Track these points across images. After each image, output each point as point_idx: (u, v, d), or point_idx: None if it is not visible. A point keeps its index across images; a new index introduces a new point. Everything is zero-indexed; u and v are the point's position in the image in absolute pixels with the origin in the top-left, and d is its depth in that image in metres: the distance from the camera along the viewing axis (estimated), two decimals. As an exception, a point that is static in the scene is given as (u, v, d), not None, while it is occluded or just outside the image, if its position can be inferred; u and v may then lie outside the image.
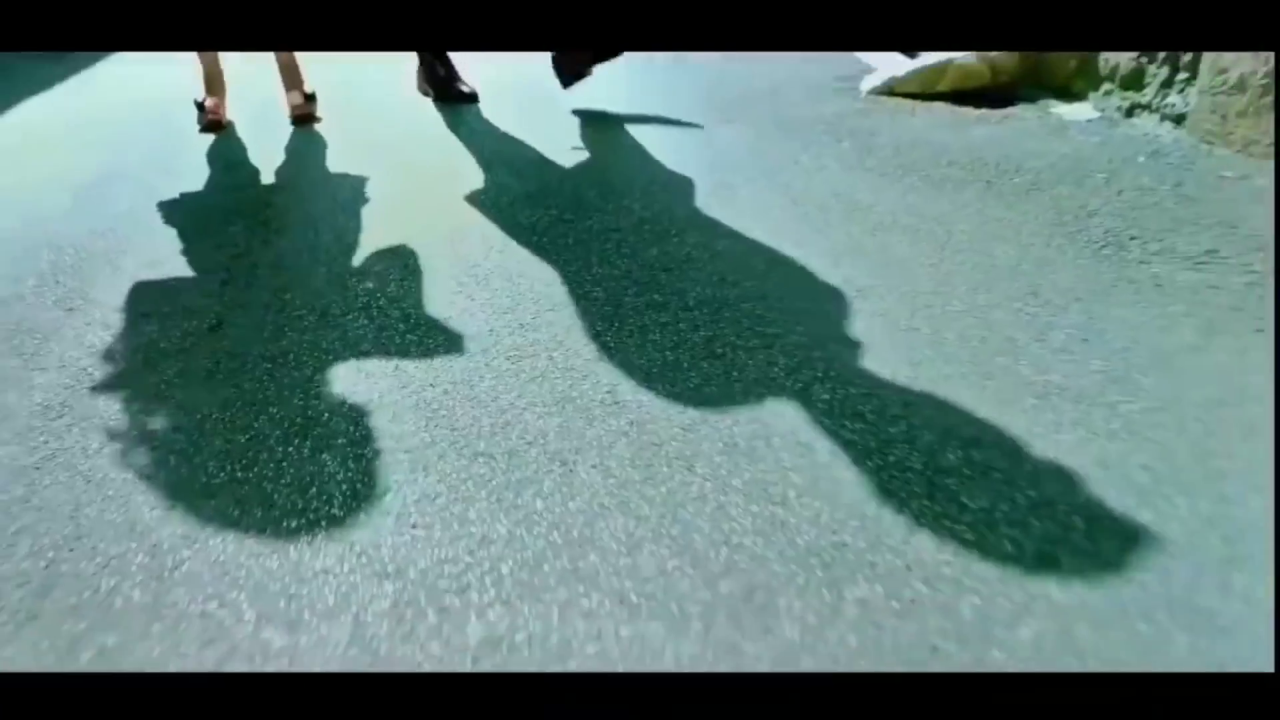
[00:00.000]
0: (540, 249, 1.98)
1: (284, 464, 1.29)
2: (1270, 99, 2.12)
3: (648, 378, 1.45)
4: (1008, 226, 1.96)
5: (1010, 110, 2.83)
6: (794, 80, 3.39)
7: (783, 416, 1.33)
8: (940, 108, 2.93)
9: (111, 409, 1.46)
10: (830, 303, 1.67)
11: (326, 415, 1.40)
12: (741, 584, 1.03)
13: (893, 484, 1.17)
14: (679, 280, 1.79)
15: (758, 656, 0.95)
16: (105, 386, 1.53)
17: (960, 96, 3.00)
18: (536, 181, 2.46)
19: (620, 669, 0.95)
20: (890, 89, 3.11)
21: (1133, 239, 1.84)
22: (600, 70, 3.14)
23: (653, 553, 1.08)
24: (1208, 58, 2.28)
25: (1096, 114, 2.65)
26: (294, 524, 1.17)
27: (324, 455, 1.30)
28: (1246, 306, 1.56)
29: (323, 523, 1.17)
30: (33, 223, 2.33)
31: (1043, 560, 1.04)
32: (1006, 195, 2.13)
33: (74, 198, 2.52)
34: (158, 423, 1.41)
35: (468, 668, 0.96)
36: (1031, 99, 2.88)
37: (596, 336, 1.59)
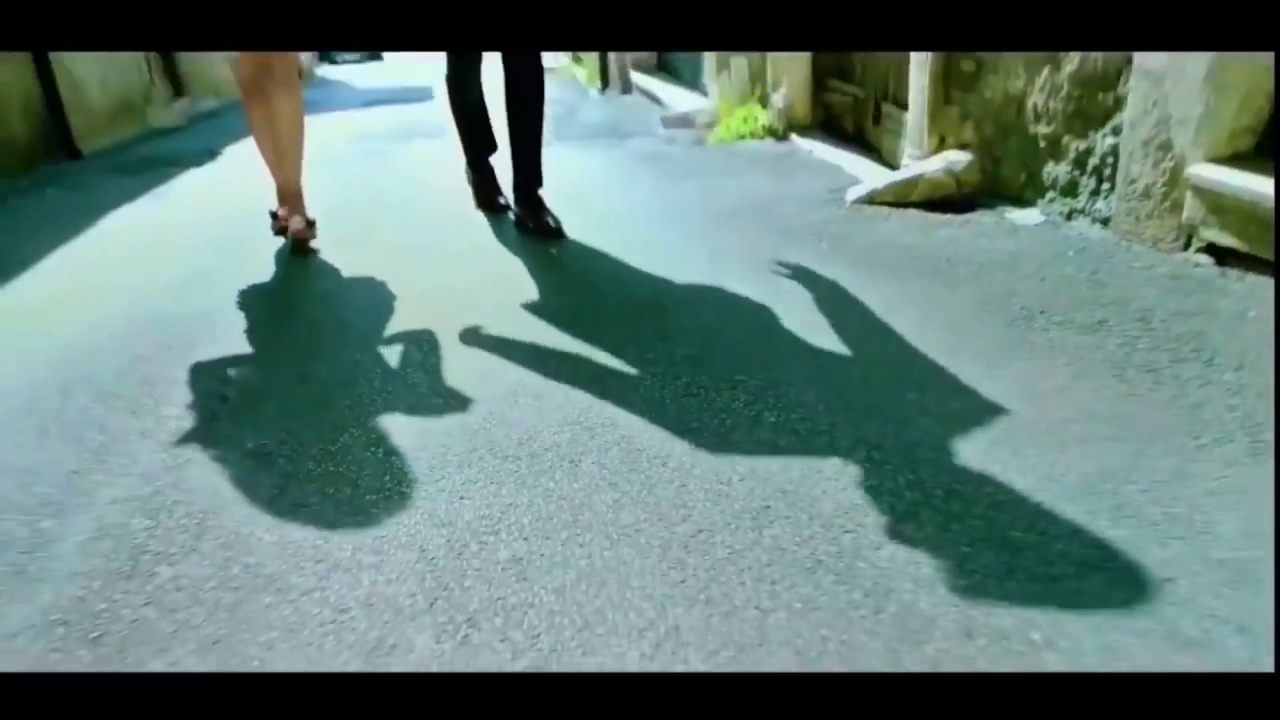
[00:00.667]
0: (560, 324, 2.43)
1: (365, 463, 1.73)
2: (1170, 203, 2.57)
3: (639, 409, 1.88)
4: (943, 305, 2.39)
5: (971, 215, 3.29)
6: (790, 193, 3.89)
7: (739, 430, 1.76)
8: (913, 214, 3.40)
9: (223, 440, 1.91)
10: (788, 358, 2.11)
11: (393, 434, 1.84)
12: (691, 528, 1.44)
13: (810, 473, 1.59)
14: (670, 345, 2.23)
15: (697, 568, 1.35)
16: (222, 422, 1.99)
17: (931, 205, 3.47)
18: (559, 273, 2.95)
19: (607, 586, 1.35)
20: (871, 199, 3.59)
21: (1041, 313, 2.27)
22: (619, 179, 3.66)
23: (631, 512, 1.50)
24: (1121, 169, 2.73)
25: (1042, 218, 3.11)
26: (375, 499, 1.60)
27: (394, 458, 1.74)
28: (1115, 360, 1.97)
29: (395, 497, 1.60)
30: (133, 313, 2.84)
31: (909, 514, 1.45)
32: (950, 282, 2.58)
33: (167, 292, 3.03)
34: (267, 444, 1.86)
35: (497, 577, 1.36)
36: (990, 206, 3.35)
37: (600, 381, 2.04)
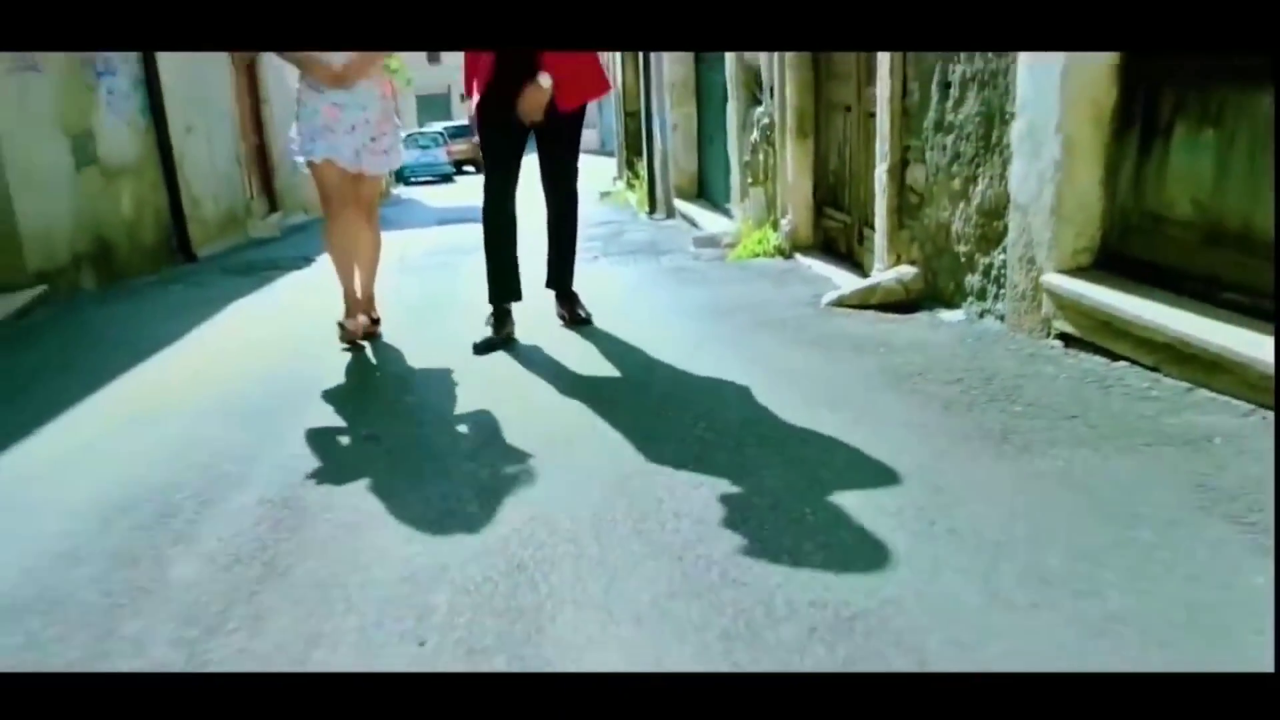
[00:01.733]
0: (578, 396, 3.33)
1: (453, 471, 2.62)
2: (1036, 303, 3.42)
3: (632, 436, 2.76)
4: (857, 372, 3.25)
5: (912, 315, 4.16)
6: (781, 298, 4.79)
7: (709, 452, 2.62)
8: (869, 314, 4.27)
9: (326, 482, 2.82)
10: (726, 397, 2.98)
11: (454, 447, 2.74)
12: (651, 500, 2.31)
13: (740, 479, 2.44)
14: (663, 404, 3.11)
15: (653, 522, 2.20)
16: (319, 479, 2.90)
17: (885, 306, 4.34)
18: (585, 350, 3.86)
19: (605, 520, 2.20)
20: (840, 301, 4.47)
21: (919, 374, 3.12)
22: (648, 286, 4.59)
23: (621, 492, 2.37)
24: (1008, 279, 3.59)
25: (963, 316, 3.96)
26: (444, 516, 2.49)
27: (473, 464, 2.63)
28: (949, 398, 2.81)
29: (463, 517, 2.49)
30: (258, 375, 3.80)
31: (790, 513, 2.29)
32: (869, 355, 3.44)
33: (280, 362, 4.00)
34: (365, 467, 2.77)
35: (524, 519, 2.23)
36: (929, 308, 4.21)
37: (596, 422, 2.92)
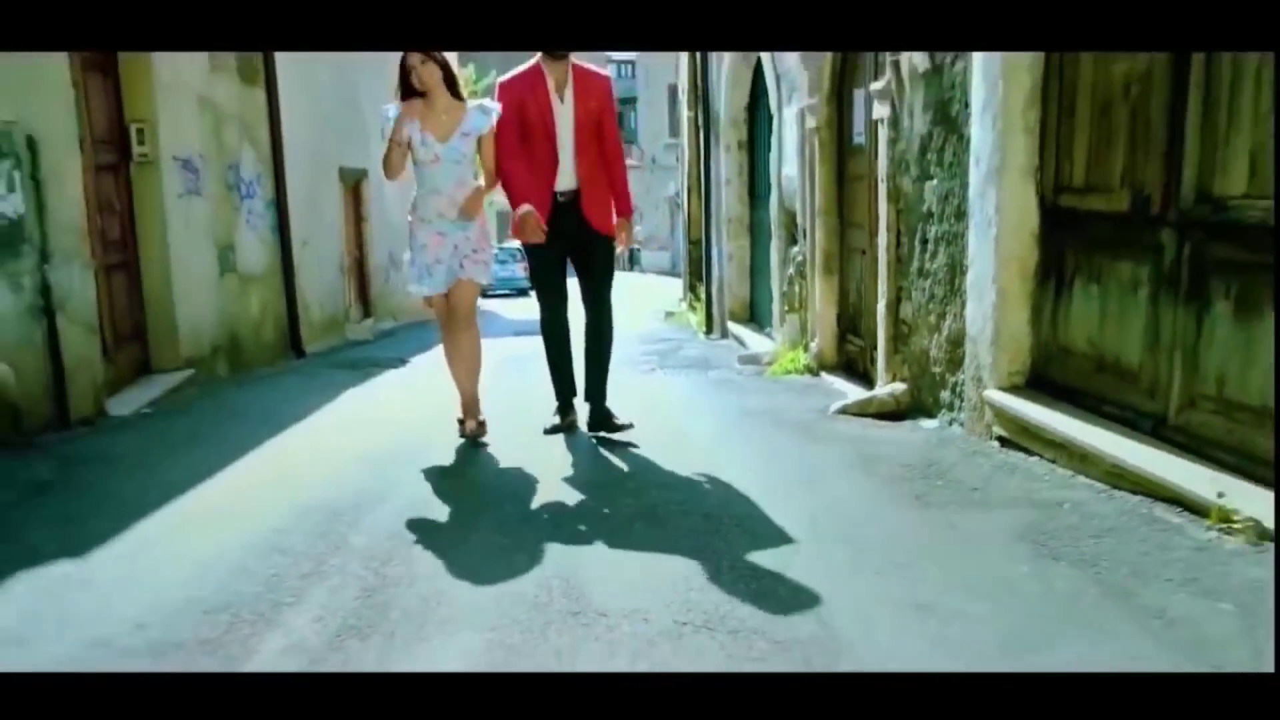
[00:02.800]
0: (585, 487, 4.33)
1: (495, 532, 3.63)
2: (982, 413, 4.35)
3: (619, 502, 3.74)
4: (840, 459, 4.19)
5: (900, 422, 5.10)
6: (799, 405, 5.75)
7: (674, 517, 3.59)
8: (866, 420, 5.20)
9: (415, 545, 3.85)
10: (737, 471, 3.95)
11: (496, 503, 3.74)
12: (608, 527, 3.28)
13: (703, 536, 3.40)
14: (663, 491, 4.09)
15: (641, 536, 3.17)
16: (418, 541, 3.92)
17: (880, 415, 5.29)
18: (588, 462, 4.86)
19: (614, 525, 3.16)
20: (844, 410, 5.43)
21: (882, 461, 4.05)
22: (692, 394, 5.59)
23: (616, 528, 3.34)
24: (966, 394, 4.54)
25: (937, 424, 4.90)
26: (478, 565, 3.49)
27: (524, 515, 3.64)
28: (894, 476, 3.74)
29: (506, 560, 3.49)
30: (367, 453, 4.86)
31: (733, 542, 3.24)
32: (854, 449, 4.38)
33: (390, 445, 5.07)
34: (433, 536, 3.78)
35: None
36: (914, 417, 5.15)
37: (596, 505, 3.91)
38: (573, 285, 4.68)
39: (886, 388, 5.42)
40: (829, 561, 2.83)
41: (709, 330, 11.82)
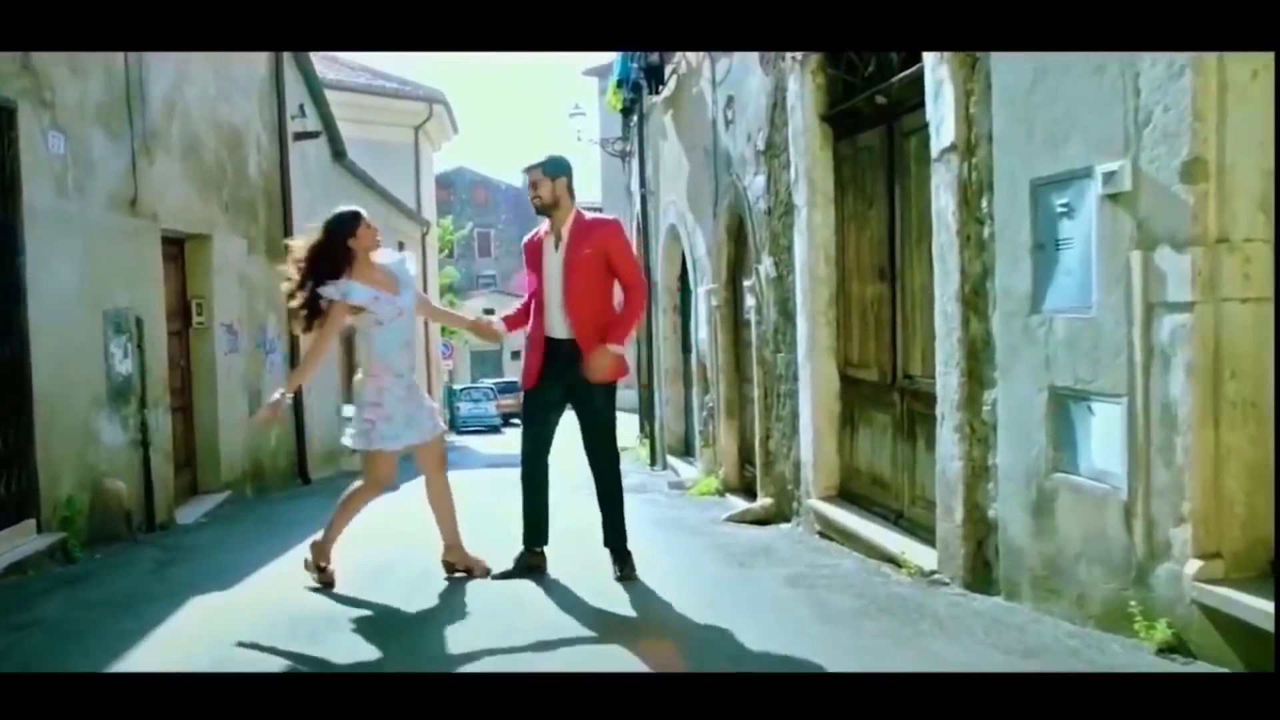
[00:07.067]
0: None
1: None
2: (810, 514, 6.26)
3: (590, 572, 5.60)
4: (705, 546, 6.05)
5: (766, 526, 6.98)
6: (700, 516, 7.60)
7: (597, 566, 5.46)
8: (746, 526, 7.08)
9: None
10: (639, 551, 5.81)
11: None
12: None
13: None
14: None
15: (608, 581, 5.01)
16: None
17: (754, 522, 7.17)
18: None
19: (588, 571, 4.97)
20: (730, 518, 7.32)
21: (729, 547, 5.93)
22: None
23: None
24: (801, 503, 6.46)
25: (790, 526, 6.78)
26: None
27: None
28: (734, 556, 5.62)
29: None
30: (369, 560, 6.73)
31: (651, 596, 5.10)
32: (719, 541, 6.24)
33: (399, 553, 6.93)
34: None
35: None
36: (778, 523, 7.03)
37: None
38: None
39: (760, 502, 7.34)
40: (665, 590, 4.68)
41: (653, 463, 13.73)
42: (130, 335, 6.82)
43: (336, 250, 4.30)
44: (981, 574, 4.24)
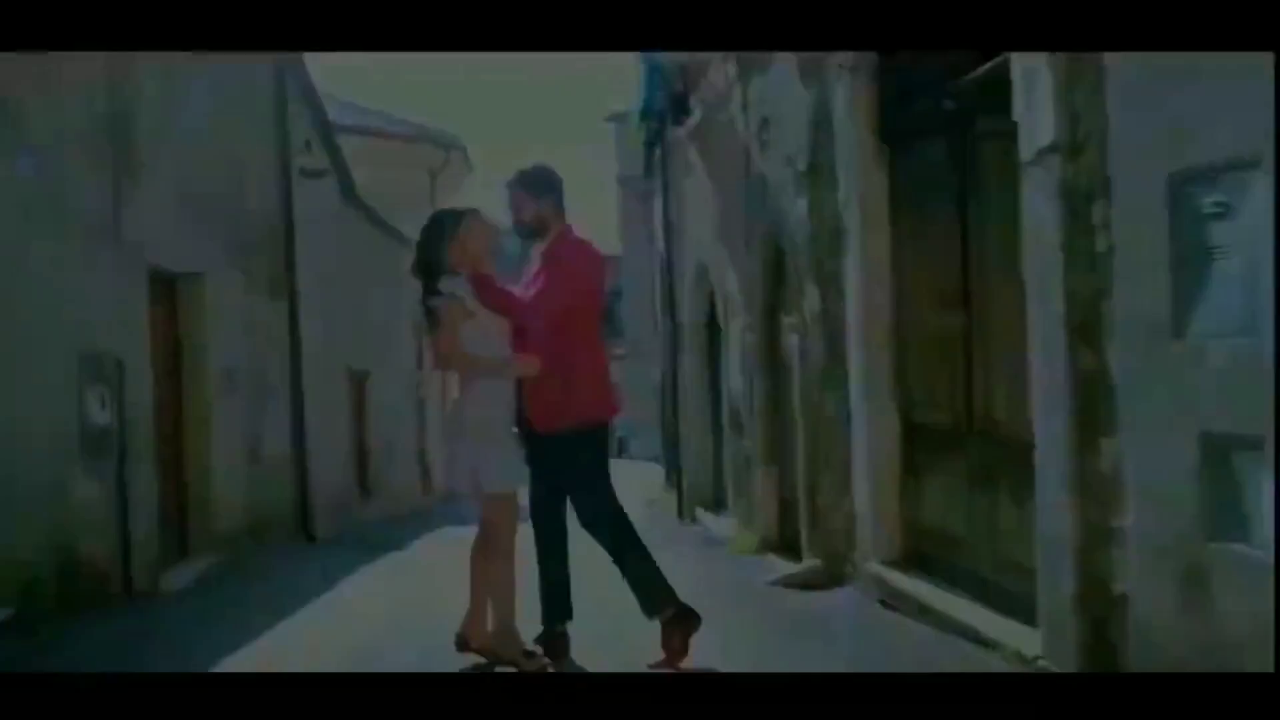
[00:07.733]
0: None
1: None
2: (860, 574, 5.50)
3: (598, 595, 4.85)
4: (755, 605, 5.30)
5: (813, 592, 6.21)
6: (740, 576, 6.86)
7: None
8: (790, 590, 6.33)
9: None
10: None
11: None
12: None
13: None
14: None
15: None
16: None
17: (801, 586, 6.41)
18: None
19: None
20: (774, 581, 6.55)
21: (777, 609, 5.17)
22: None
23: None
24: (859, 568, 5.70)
25: (849, 591, 6.01)
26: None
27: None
28: (791, 617, 4.86)
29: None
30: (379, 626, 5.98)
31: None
32: (767, 602, 5.48)
33: (417, 620, 6.19)
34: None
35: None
36: (827, 589, 6.26)
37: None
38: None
39: (806, 563, 6.56)
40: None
41: (680, 514, 12.94)
42: (109, 381, 6.16)
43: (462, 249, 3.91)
44: (1102, 659, 3.46)
